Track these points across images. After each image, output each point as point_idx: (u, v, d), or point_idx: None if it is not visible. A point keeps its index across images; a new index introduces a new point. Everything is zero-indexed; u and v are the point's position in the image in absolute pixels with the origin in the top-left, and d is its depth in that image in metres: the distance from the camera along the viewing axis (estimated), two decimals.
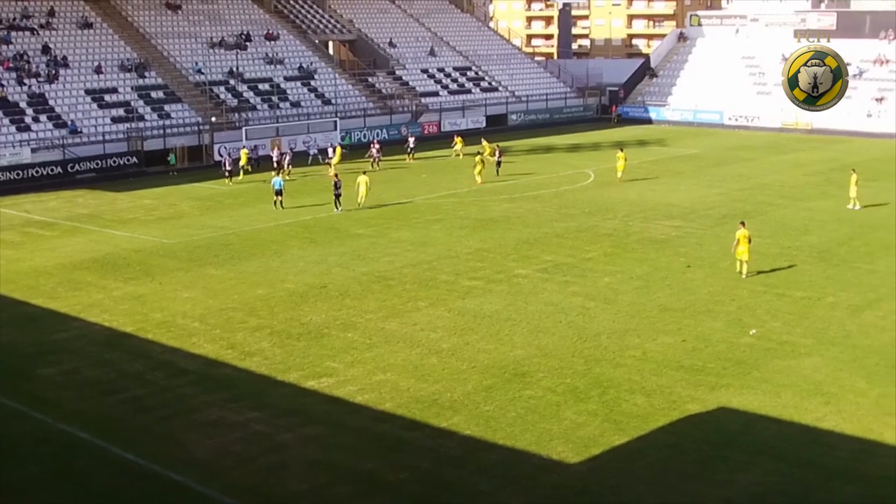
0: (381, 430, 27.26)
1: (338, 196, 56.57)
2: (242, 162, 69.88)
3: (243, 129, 79.00)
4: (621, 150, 70.15)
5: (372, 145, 76.78)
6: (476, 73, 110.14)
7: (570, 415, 27.69)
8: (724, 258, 44.01)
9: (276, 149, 73.00)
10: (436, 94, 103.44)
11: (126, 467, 25.35)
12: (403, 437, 26.82)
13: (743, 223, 42.48)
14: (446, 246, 48.15)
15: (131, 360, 33.14)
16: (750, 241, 41.37)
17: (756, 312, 36.65)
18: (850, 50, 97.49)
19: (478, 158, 66.00)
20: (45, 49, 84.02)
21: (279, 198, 57.82)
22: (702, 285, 40.52)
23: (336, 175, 58.34)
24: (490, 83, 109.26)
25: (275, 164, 69.55)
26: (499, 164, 69.05)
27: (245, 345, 34.16)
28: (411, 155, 78.43)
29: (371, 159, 74.29)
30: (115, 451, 26.13)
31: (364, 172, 61.63)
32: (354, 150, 79.20)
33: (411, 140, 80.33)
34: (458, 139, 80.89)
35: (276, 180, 58.73)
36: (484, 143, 75.91)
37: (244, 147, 73.16)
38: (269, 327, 36.01)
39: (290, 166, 70.56)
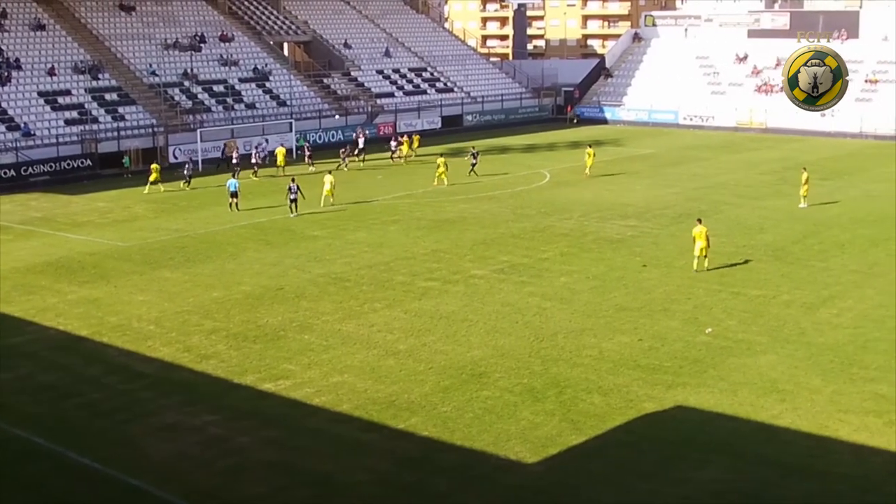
0: (338, 432, 27.25)
1: (293, 200, 55.76)
2: (153, 177, 65.10)
3: (198, 131, 78.52)
4: (590, 147, 71.23)
5: (359, 136, 78.20)
6: (431, 73, 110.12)
7: (527, 415, 27.75)
8: (680, 257, 44.31)
9: (234, 151, 72.65)
10: (391, 94, 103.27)
11: (83, 472, 25.19)
12: (361, 439, 26.79)
13: (700, 220, 42.90)
14: (403, 247, 48.14)
15: (87, 364, 32.96)
16: (708, 237, 41.83)
17: (712, 311, 36.88)
18: None
19: (440, 160, 65.79)
20: None
21: (234, 200, 57.55)
22: (658, 284, 40.73)
23: (293, 179, 57.60)
24: (445, 84, 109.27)
25: (254, 164, 70.71)
26: (473, 165, 69.30)
27: (201, 348, 34.02)
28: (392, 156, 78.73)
29: (342, 159, 74.34)
30: (72, 455, 25.95)
31: (329, 172, 61.62)
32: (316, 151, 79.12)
33: (393, 143, 79.91)
34: (405, 139, 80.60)
35: (232, 182, 58.44)
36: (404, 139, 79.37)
37: (155, 163, 68.72)
38: (225, 330, 35.87)
39: (257, 167, 71.22)
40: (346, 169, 72.82)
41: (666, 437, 26.46)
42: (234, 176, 61.14)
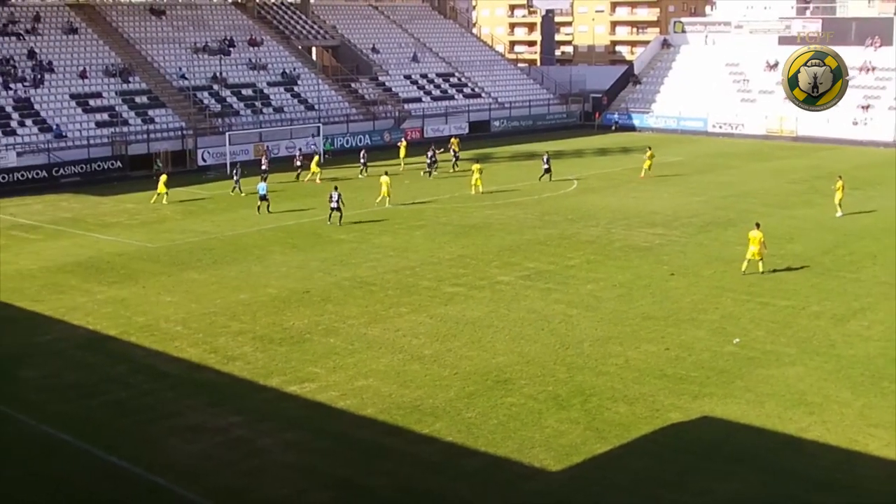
0: (361, 436, 27.23)
1: (334, 209, 54.11)
2: (160, 189, 62.96)
3: (227, 134, 78.76)
4: (649, 149, 72.76)
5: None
6: (459, 79, 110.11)
7: (551, 422, 27.66)
8: (707, 266, 44.20)
9: (263, 156, 72.03)
10: (419, 100, 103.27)
11: (107, 470, 25.32)
12: (384, 443, 26.78)
13: (758, 224, 43.27)
14: (428, 252, 48.11)
15: (113, 364, 33.10)
16: (762, 243, 42.48)
17: (739, 321, 36.65)
18: None
19: (476, 167, 65.44)
20: (31, 54, 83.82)
21: (264, 203, 57.58)
22: (685, 293, 40.54)
23: (335, 187, 55.94)
24: (473, 89, 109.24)
25: (297, 167, 70.94)
26: (547, 170, 69.14)
27: (227, 349, 34.09)
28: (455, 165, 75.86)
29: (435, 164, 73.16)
30: (97, 453, 26.09)
31: (385, 173, 62.13)
32: (338, 156, 79.15)
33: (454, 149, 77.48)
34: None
35: (261, 185, 58.46)
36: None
37: (163, 174, 66.57)
38: (251, 332, 35.93)
39: (300, 170, 71.19)
40: (429, 178, 71.84)
41: (690, 447, 26.34)
42: (263, 180, 60.83)
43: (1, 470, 25.38)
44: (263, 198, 57.62)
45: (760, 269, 42.61)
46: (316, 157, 72.49)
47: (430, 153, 73.74)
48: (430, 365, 32.36)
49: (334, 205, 54.29)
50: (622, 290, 41.09)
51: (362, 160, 73.64)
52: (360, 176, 71.98)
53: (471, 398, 29.46)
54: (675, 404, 28.86)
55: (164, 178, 64.32)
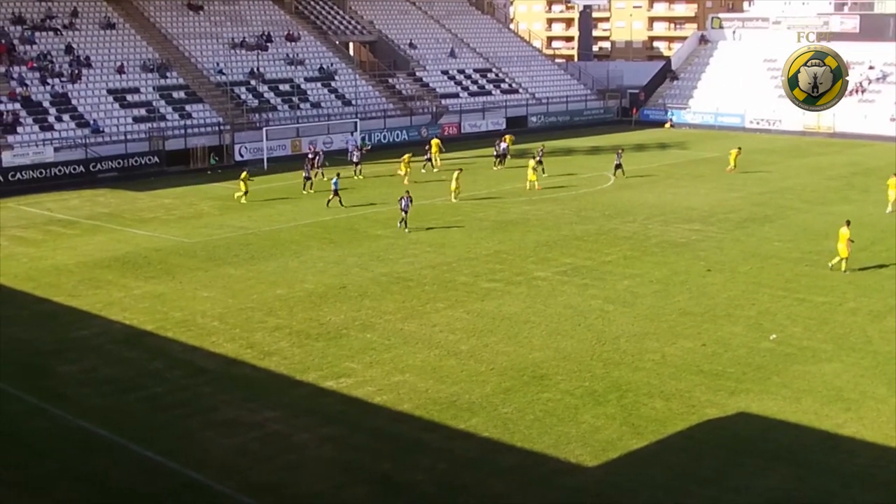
0: (398, 431, 27.30)
1: (405, 210, 51.77)
2: (242, 188, 61.40)
3: (264, 129, 79.02)
4: (739, 148, 72.74)
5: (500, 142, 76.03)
6: (496, 74, 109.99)
7: (588, 418, 27.66)
8: (745, 262, 44.01)
9: (317, 154, 70.71)
10: (456, 95, 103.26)
11: (144, 465, 25.47)
12: (420, 438, 26.84)
13: (848, 222, 43.12)
14: (465, 247, 48.12)
15: (150, 359, 33.29)
16: (849, 241, 42.27)
17: (776, 317, 36.51)
18: (874, 53, 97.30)
19: (532, 163, 65.14)
20: (69, 49, 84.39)
21: (336, 197, 57.63)
22: (721, 289, 40.40)
23: (407, 192, 53.54)
24: (510, 85, 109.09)
25: (355, 163, 70.39)
26: (618, 166, 68.68)
27: (264, 344, 34.23)
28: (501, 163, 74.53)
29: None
30: (134, 448, 26.26)
31: (460, 169, 62.47)
32: (376, 151, 79.20)
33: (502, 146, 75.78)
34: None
35: (334, 180, 58.52)
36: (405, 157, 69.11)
37: (245, 172, 64.54)
38: (288, 327, 36.07)
39: (358, 164, 70.50)
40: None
41: (727, 443, 26.26)
42: (322, 175, 59.85)
43: (38, 464, 25.54)
44: (336, 192, 57.79)
45: (842, 268, 42.50)
46: (406, 159, 68.63)
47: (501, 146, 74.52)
48: (467, 360, 32.40)
49: (405, 207, 51.89)
50: (659, 286, 41.00)
51: (427, 155, 73.35)
52: (432, 170, 72.04)
53: (507, 394, 29.49)
54: (711, 400, 28.79)
55: (244, 174, 62.84)
